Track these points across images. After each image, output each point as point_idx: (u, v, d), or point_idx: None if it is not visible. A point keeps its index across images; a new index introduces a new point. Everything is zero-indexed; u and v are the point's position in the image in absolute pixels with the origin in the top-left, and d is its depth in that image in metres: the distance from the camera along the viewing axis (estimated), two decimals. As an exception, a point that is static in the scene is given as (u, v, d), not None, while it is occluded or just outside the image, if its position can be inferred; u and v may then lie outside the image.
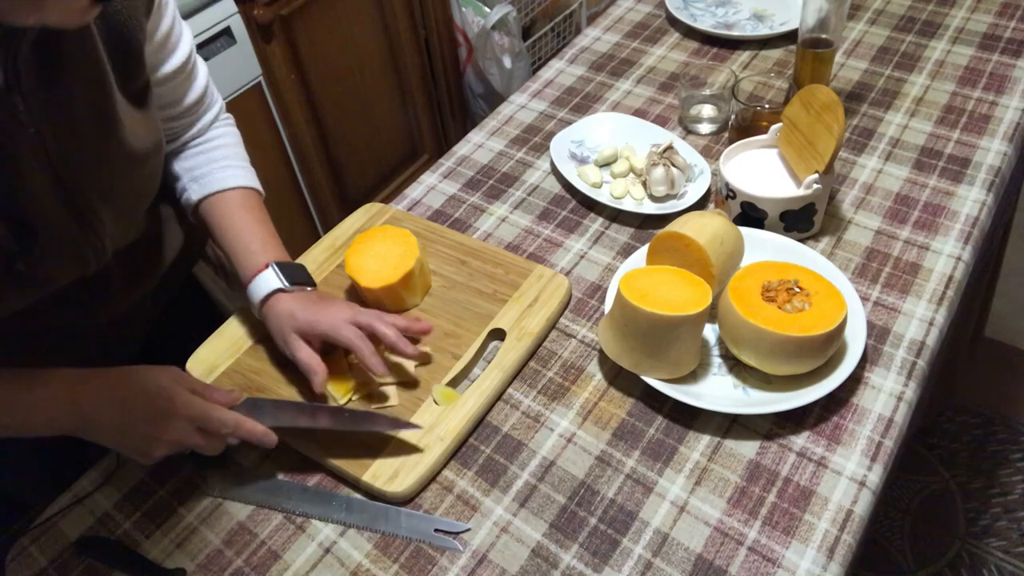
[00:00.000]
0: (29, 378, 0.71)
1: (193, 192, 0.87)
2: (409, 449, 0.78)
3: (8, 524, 0.80)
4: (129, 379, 0.73)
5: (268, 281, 0.82)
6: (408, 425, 0.78)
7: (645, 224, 1.01)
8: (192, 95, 0.86)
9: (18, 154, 0.63)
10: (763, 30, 1.29)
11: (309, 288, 0.85)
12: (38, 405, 0.70)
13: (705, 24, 1.31)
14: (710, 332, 0.87)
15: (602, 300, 0.93)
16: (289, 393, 0.84)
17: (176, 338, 0.93)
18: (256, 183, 0.90)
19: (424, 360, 0.86)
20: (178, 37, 0.80)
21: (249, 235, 0.86)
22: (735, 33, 1.29)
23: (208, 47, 1.59)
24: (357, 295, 0.93)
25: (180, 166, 0.89)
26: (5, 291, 0.68)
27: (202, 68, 0.88)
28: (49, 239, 0.69)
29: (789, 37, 1.28)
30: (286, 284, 0.82)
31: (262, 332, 0.90)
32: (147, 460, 0.74)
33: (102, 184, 0.72)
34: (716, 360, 0.85)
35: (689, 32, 1.33)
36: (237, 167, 0.89)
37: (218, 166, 0.88)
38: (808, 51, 1.09)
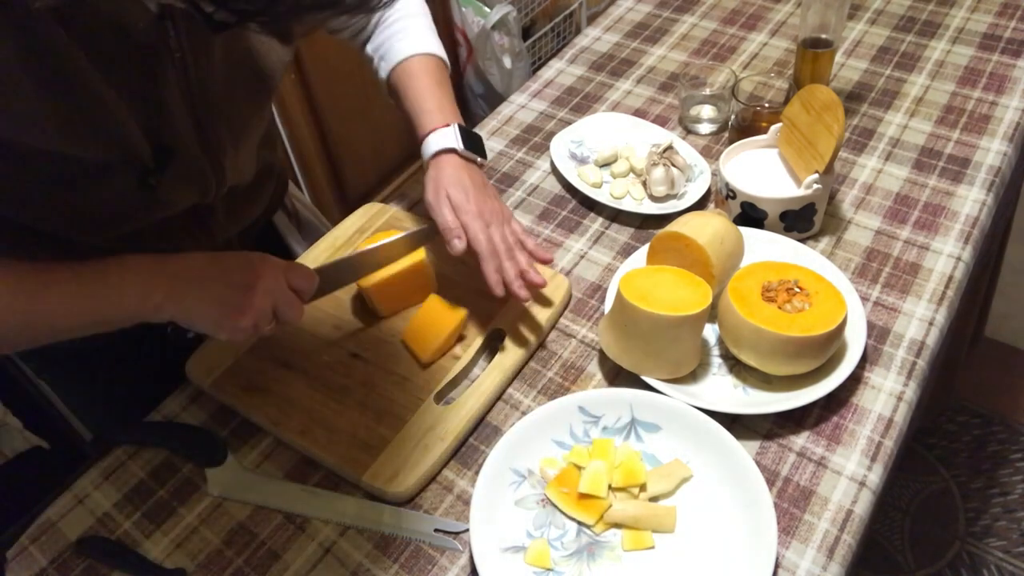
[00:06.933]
0: (116, 261, 0.68)
1: (382, 69, 0.91)
2: (409, 449, 0.78)
3: (8, 524, 0.80)
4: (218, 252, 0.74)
5: (446, 138, 0.86)
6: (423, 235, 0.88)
7: (645, 224, 1.01)
8: None
9: (164, 79, 0.65)
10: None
11: (480, 160, 0.89)
12: (128, 277, 0.68)
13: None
14: (710, 332, 0.86)
15: (602, 300, 0.93)
16: (291, 393, 0.84)
17: None
18: (434, 48, 0.92)
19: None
20: None
21: (427, 96, 0.88)
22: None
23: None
24: (357, 295, 0.93)
25: (370, 47, 0.92)
26: (132, 206, 0.71)
27: None
28: (181, 162, 0.71)
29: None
30: (461, 147, 0.86)
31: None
32: (237, 321, 0.71)
33: (229, 114, 0.75)
34: (716, 360, 0.85)
35: (689, 32, 1.33)
36: (414, 36, 0.91)
37: (396, 39, 0.91)
38: (808, 51, 1.09)
